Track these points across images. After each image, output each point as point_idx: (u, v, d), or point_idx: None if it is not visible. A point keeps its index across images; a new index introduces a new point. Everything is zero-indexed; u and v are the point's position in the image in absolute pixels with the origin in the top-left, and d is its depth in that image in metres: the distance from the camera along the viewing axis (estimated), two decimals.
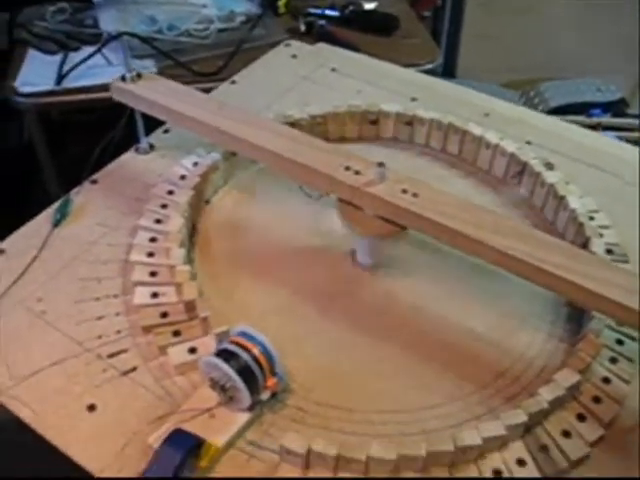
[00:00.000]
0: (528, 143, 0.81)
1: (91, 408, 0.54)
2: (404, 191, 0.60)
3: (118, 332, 0.60)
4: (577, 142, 0.82)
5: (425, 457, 0.49)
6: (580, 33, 1.96)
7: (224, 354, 0.52)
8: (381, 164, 0.60)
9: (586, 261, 0.56)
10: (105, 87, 0.75)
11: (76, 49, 1.24)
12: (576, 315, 0.64)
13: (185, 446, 0.47)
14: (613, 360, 0.57)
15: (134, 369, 0.58)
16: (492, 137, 0.76)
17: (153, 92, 0.70)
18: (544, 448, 0.51)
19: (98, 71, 1.10)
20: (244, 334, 0.54)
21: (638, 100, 1.93)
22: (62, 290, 0.64)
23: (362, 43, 1.22)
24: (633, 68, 2.07)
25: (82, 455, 0.51)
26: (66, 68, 1.16)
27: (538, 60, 2.00)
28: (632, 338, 0.59)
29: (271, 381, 0.53)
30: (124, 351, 0.59)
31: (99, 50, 1.18)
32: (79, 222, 0.70)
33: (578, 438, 0.52)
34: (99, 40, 1.22)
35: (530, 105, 1.87)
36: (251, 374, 0.52)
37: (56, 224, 0.69)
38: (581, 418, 0.53)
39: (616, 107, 1.86)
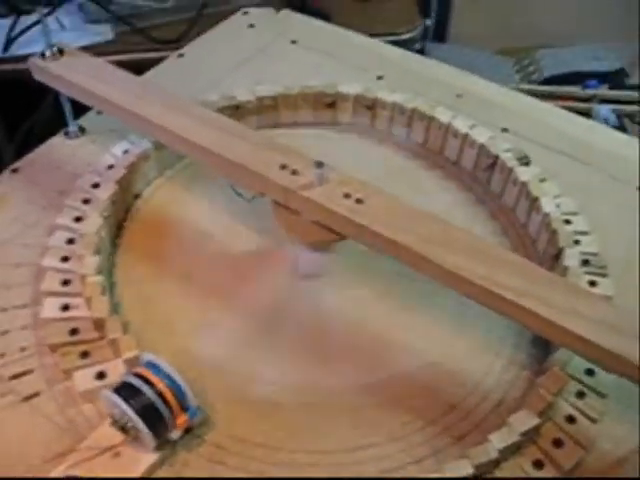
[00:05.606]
0: (504, 130, 0.72)
1: None
2: (347, 195, 0.52)
3: (23, 350, 0.53)
4: (560, 130, 0.74)
5: None
6: None
7: (125, 390, 0.45)
8: (320, 164, 0.52)
9: (550, 285, 0.48)
10: None
11: (28, 12, 1.14)
12: (543, 339, 0.56)
13: None
14: (580, 395, 0.50)
15: (36, 394, 0.51)
16: (461, 125, 0.68)
17: (73, 72, 0.61)
18: None
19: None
20: (150, 365, 0.47)
21: (639, 70, 1.82)
22: None
23: (336, 8, 1.12)
24: (634, 35, 1.96)
25: None
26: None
27: (535, 25, 1.89)
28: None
29: (181, 419, 0.46)
30: (29, 372, 0.52)
31: (49, 13, 1.09)
32: None
33: None
34: (54, 3, 1.13)
35: (524, 75, 1.76)
36: (155, 413, 0.45)
37: None
38: (538, 465, 0.47)
39: (615, 78, 1.75)
